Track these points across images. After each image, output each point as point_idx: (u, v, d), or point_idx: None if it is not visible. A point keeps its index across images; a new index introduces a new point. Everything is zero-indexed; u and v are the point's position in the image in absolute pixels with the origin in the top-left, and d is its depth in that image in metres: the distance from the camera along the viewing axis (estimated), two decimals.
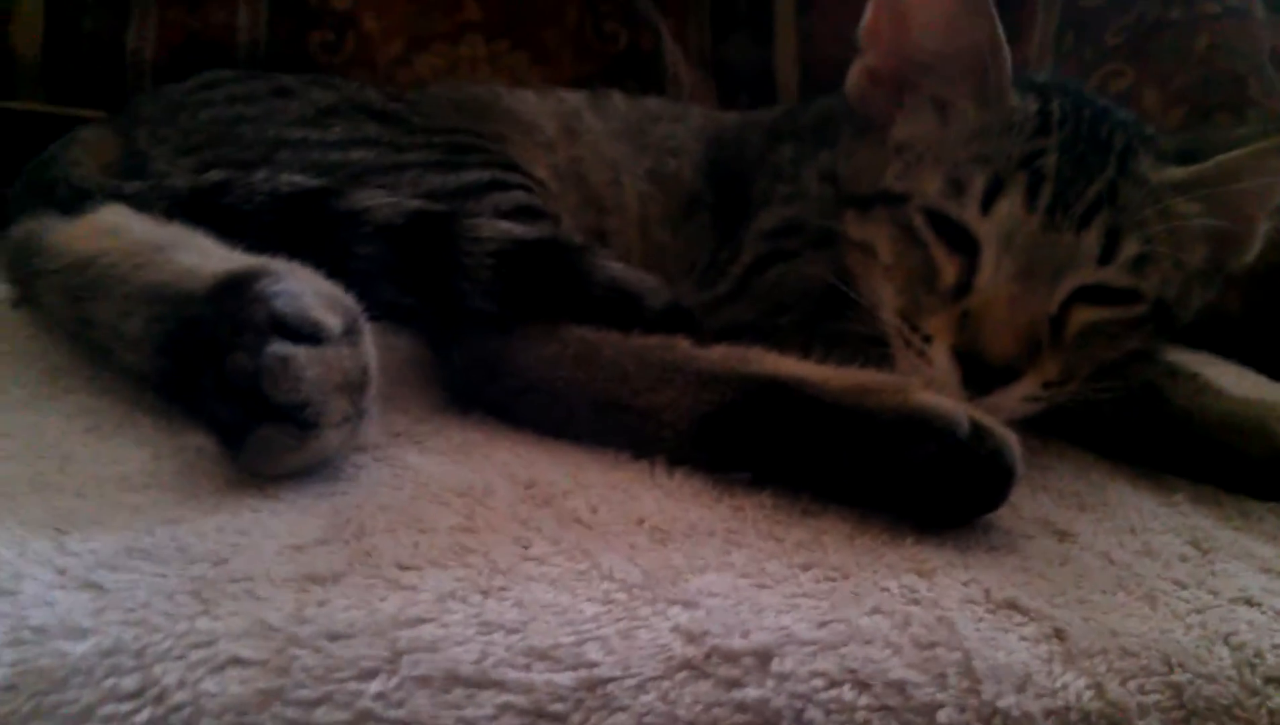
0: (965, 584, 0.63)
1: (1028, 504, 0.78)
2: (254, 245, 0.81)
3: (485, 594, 0.53)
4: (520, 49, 1.57)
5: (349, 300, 0.69)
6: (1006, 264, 0.85)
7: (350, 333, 0.67)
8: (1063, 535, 0.73)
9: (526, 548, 0.58)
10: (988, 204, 0.86)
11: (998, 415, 0.83)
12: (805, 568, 0.62)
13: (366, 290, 0.85)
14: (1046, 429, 0.93)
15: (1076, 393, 0.88)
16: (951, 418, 0.69)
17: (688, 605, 0.55)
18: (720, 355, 0.77)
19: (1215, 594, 0.67)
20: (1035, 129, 0.89)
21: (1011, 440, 0.70)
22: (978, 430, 0.69)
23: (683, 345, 0.79)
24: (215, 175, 0.91)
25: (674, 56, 1.62)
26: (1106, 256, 0.85)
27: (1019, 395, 0.84)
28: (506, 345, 0.81)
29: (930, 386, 0.84)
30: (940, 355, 0.85)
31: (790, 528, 0.67)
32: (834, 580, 0.61)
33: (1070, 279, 0.85)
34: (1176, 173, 0.89)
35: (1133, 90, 1.54)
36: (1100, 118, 0.91)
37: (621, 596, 0.55)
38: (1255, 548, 0.76)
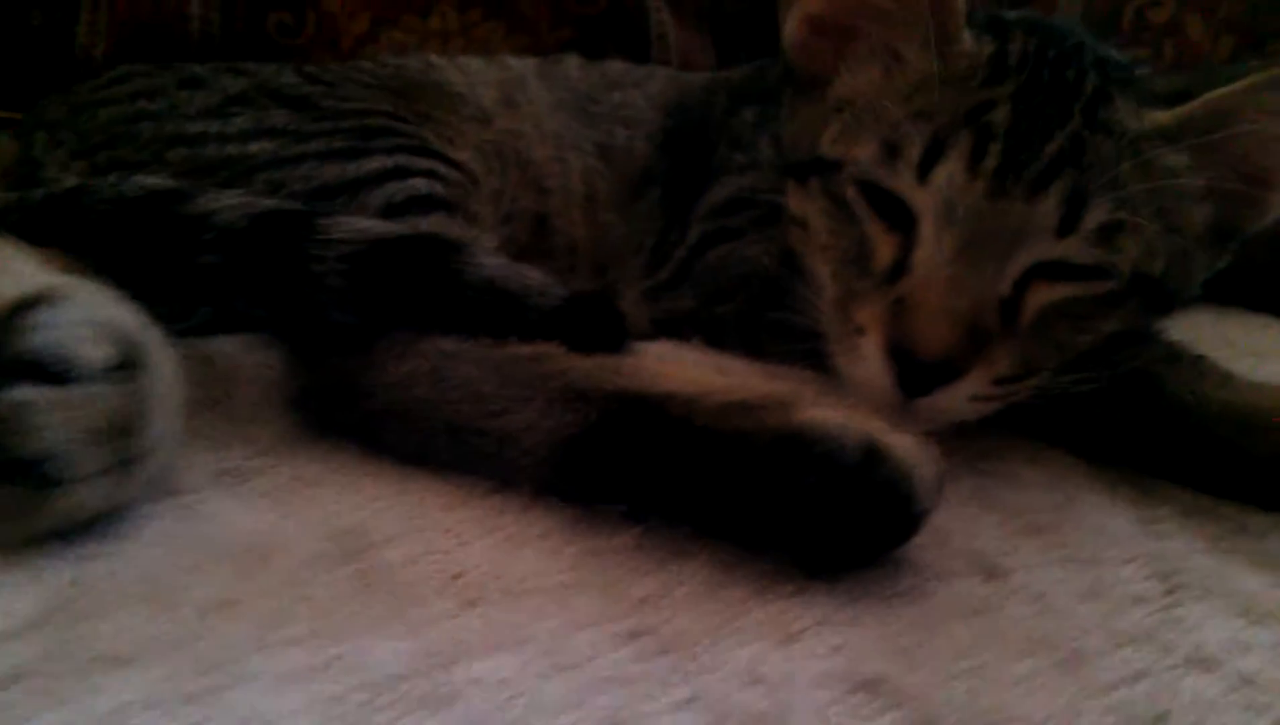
0: (833, 652, 0.51)
1: (962, 530, 0.65)
2: (104, 258, 0.74)
3: (184, 701, 0.43)
4: (494, 18, 1.47)
5: (135, 329, 0.61)
6: (947, 240, 0.71)
7: (126, 367, 0.58)
8: (991, 573, 0.60)
9: (274, 629, 0.49)
10: (925, 169, 0.72)
11: (941, 419, 0.71)
12: (632, 637, 0.51)
13: (219, 302, 0.77)
14: (1023, 428, 0.80)
15: (1044, 386, 0.74)
16: (836, 440, 0.57)
17: (443, 704, 0.45)
18: (591, 367, 0.66)
19: (1166, 650, 0.54)
20: (986, 77, 0.75)
21: (918, 467, 0.57)
22: (872, 453, 0.57)
23: (556, 355, 0.68)
24: (70, 181, 0.83)
25: (661, 14, 1.49)
26: (1067, 226, 0.70)
27: (964, 395, 0.71)
28: (364, 362, 0.71)
29: (862, 389, 0.73)
30: (872, 351, 0.72)
31: (643, 578, 0.56)
32: (663, 654, 0.50)
33: (1024, 255, 0.71)
34: (1160, 118, 0.74)
35: (1175, 21, 1.36)
36: (1068, 58, 0.76)
37: (359, 697, 0.44)
38: (1241, 579, 0.62)
